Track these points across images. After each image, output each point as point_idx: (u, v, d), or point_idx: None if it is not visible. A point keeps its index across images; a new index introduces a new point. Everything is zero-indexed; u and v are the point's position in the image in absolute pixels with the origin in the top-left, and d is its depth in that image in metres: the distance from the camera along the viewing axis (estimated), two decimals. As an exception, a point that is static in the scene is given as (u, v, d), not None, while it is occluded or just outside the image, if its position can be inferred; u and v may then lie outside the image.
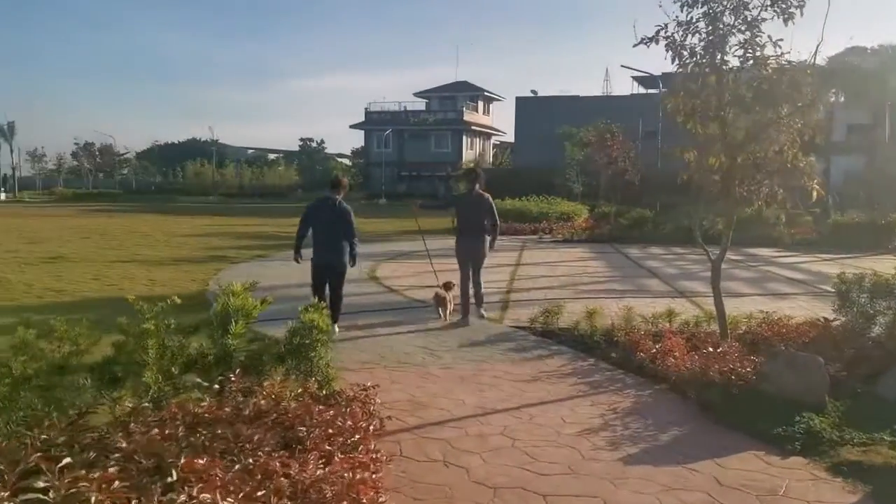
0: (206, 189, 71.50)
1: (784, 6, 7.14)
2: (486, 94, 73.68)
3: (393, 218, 34.99)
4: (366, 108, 71.89)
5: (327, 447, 4.09)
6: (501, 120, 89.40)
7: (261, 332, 8.55)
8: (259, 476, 3.41)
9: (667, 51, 7.75)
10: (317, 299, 9.24)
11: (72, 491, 2.82)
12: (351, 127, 72.52)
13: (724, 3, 7.32)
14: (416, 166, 67.79)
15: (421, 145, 68.31)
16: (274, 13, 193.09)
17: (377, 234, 25.25)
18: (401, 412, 5.69)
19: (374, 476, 3.97)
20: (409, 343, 8.21)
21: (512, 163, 70.00)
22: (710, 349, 7.05)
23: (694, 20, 7.42)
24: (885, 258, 17.23)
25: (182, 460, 3.29)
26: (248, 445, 3.82)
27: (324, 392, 5.31)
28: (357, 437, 4.40)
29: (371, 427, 4.67)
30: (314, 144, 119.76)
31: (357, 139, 74.71)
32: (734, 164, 7.49)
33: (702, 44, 7.52)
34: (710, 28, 7.47)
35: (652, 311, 10.04)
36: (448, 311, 9.54)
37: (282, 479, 3.43)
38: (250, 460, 3.58)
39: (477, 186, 9.77)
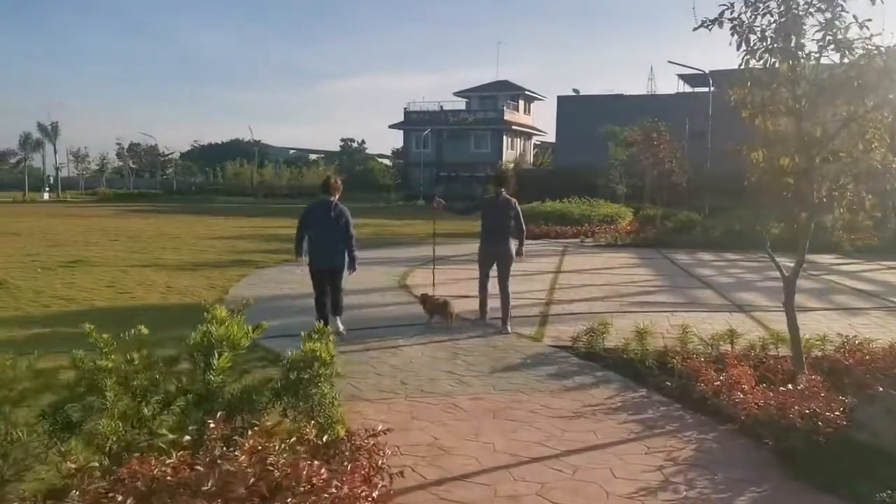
0: (245, 189, 71.50)
1: (873, -20, 6.10)
2: (526, 93, 72.50)
3: (431, 220, 34.18)
4: (405, 108, 71.26)
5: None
6: (542, 120, 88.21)
7: (274, 350, 7.77)
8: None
9: (732, 34, 6.73)
10: (319, 314, 8.67)
11: None
12: (390, 127, 71.98)
13: (801, -23, 6.30)
14: (454, 167, 66.88)
15: (460, 145, 67.40)
16: (316, 15, 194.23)
17: (413, 236, 24.40)
18: (418, 461, 4.80)
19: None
20: (435, 366, 7.31)
21: (553, 163, 68.82)
22: (785, 382, 6.05)
23: (764, -1, 6.42)
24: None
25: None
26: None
27: (325, 438, 4.42)
28: (356, 507, 3.51)
29: (376, 492, 3.76)
30: (355, 145, 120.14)
31: (398, 139, 74.05)
32: (812, 164, 6.45)
33: (773, 25, 6.51)
34: (784, 8, 6.45)
35: (709, 328, 9.05)
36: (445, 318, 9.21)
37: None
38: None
39: (504, 191, 9.51)
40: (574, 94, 65.60)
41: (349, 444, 4.35)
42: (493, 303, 9.58)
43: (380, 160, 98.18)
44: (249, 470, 3.52)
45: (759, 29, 6.52)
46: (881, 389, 5.35)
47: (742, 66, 6.86)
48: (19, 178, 78.80)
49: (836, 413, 5.05)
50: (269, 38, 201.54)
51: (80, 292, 11.27)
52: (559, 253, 19.51)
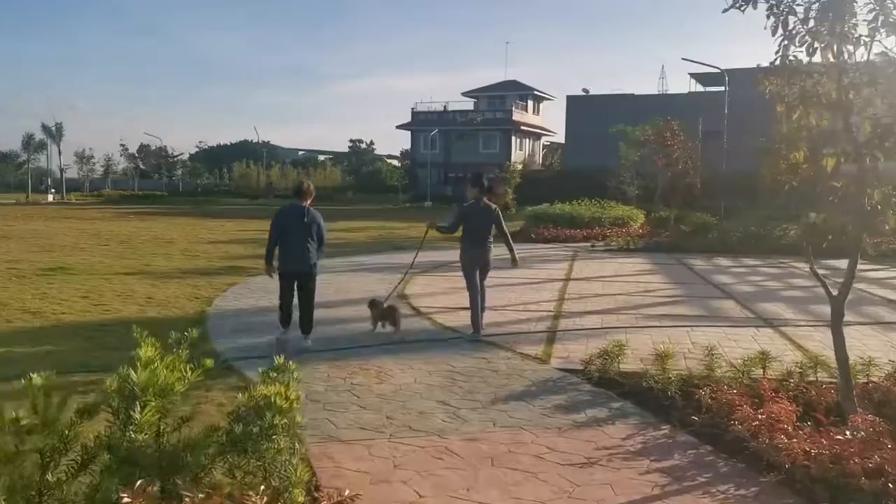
0: (254, 191, 70.78)
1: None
2: (535, 93, 71.54)
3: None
4: (412, 109, 70.40)
5: None
6: (552, 120, 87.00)
7: (249, 377, 6.90)
8: None
9: (768, 17, 5.84)
10: (283, 321, 8.24)
11: None
12: (397, 127, 71.16)
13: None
14: (462, 167, 65.93)
15: (468, 146, 66.48)
16: (326, 17, 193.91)
17: (419, 240, 23.48)
18: (395, 532, 3.92)
19: None
20: (428, 395, 6.42)
21: (562, 164, 67.83)
22: (833, 420, 5.16)
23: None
24: None
25: None
26: None
27: (278, 509, 3.55)
28: None
29: None
30: (363, 146, 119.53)
31: (406, 140, 73.23)
32: (863, 165, 5.55)
33: (817, 5, 5.62)
34: (830, -16, 5.56)
35: (735, 347, 8.17)
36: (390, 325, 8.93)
37: None
38: None
39: (484, 198, 9.25)
40: (584, 93, 64.59)
41: (306, 518, 3.48)
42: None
43: (388, 161, 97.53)
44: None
45: (801, 8, 5.64)
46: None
47: (779, 54, 5.97)
48: (27, 180, 78.45)
49: (909, 469, 4.15)
50: (278, 40, 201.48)
51: (50, 305, 10.44)
52: (569, 258, 18.59)
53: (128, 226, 28.31)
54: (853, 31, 5.58)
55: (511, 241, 9.65)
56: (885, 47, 5.67)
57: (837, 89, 5.69)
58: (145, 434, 3.54)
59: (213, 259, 16.64)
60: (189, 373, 3.87)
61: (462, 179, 65.47)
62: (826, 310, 10.45)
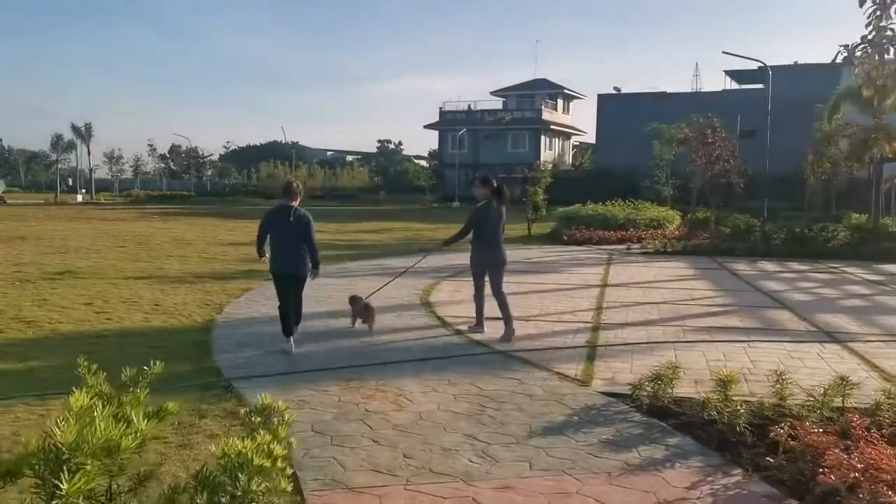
0: (278, 191, 70.37)
1: None
2: (565, 91, 70.40)
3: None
4: (440, 108, 69.60)
5: None
6: (582, 119, 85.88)
7: (251, 400, 6.08)
8: None
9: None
10: (284, 329, 7.90)
11: None
12: (425, 127, 70.44)
13: None
14: (491, 168, 64.99)
15: (496, 146, 65.54)
16: (355, 18, 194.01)
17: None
18: None
19: None
20: (453, 425, 5.54)
21: (593, 164, 66.65)
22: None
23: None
24: None
25: None
26: None
27: None
28: None
29: None
30: (391, 146, 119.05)
31: (434, 140, 72.46)
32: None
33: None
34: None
35: (801, 367, 7.21)
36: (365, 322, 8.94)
37: None
38: None
39: (496, 200, 8.98)
40: (615, 92, 63.31)
41: None
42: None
43: (416, 161, 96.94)
44: None
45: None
46: None
47: (871, 26, 5.02)
48: (63, 180, 79.04)
49: None
50: (307, 41, 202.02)
51: (48, 313, 9.72)
52: (604, 262, 17.61)
53: (148, 227, 27.78)
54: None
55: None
56: None
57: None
58: (77, 507, 2.69)
59: (229, 262, 15.91)
60: (143, 423, 3.01)
61: (473, 180, 64.43)
62: (888, 321, 9.42)
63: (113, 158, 79.66)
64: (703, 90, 62.04)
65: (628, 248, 20.70)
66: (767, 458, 4.79)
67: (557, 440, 5.25)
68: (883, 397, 5.65)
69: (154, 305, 10.55)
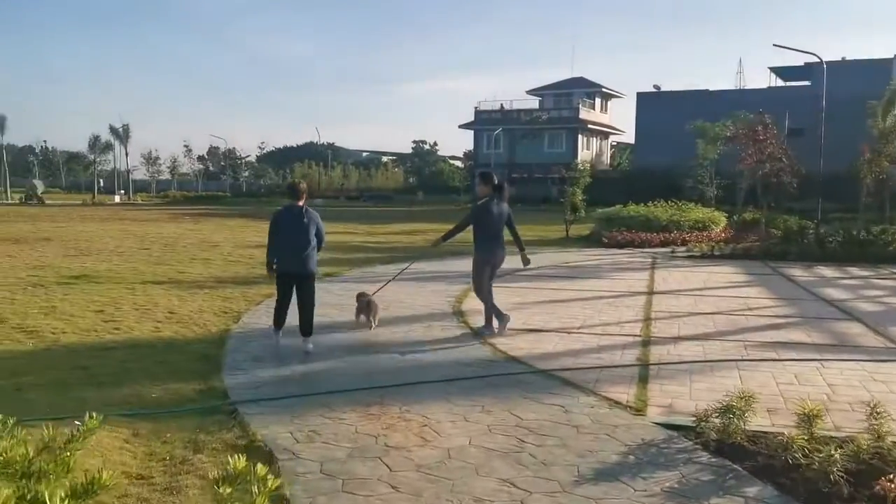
0: (312, 192, 70.11)
1: None
2: (603, 90, 69.07)
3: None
4: (475, 107, 68.74)
5: None
6: (620, 118, 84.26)
7: (257, 433, 5.36)
8: None
9: None
10: (276, 322, 7.98)
11: None
12: (460, 127, 69.62)
13: None
14: (527, 168, 63.96)
15: (533, 145, 64.46)
16: (387, 20, 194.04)
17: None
18: None
19: None
20: (486, 465, 4.71)
21: (631, 164, 65.30)
22: None
23: None
24: None
25: None
26: None
27: None
28: None
29: None
30: (427, 147, 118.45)
31: (469, 141, 71.67)
32: None
33: None
34: None
35: (886, 391, 6.27)
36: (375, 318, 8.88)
37: None
38: None
39: (497, 197, 8.91)
40: (655, 90, 61.85)
41: None
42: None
43: (451, 162, 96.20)
44: None
45: None
46: None
47: None
48: (103, 181, 79.93)
49: None
50: (343, 43, 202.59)
51: (53, 321, 9.08)
52: (648, 266, 16.63)
53: (178, 228, 27.33)
54: None
55: (522, 241, 9.35)
56: None
57: None
58: None
59: (254, 265, 15.23)
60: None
61: (526, 180, 63.60)
62: None
63: (150, 159, 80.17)
64: (746, 87, 60.35)
65: (673, 252, 19.63)
66: (875, 520, 3.89)
67: (612, 488, 4.38)
68: None
69: (168, 313, 9.87)
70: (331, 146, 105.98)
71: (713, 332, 9.12)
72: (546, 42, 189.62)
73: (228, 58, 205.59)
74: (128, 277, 13.03)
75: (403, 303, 11.01)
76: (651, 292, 12.48)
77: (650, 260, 17.89)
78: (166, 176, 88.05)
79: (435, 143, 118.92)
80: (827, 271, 15.80)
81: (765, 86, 60.17)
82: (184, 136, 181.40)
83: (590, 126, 65.67)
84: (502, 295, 11.83)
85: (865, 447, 4.67)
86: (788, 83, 59.13)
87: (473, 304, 11.06)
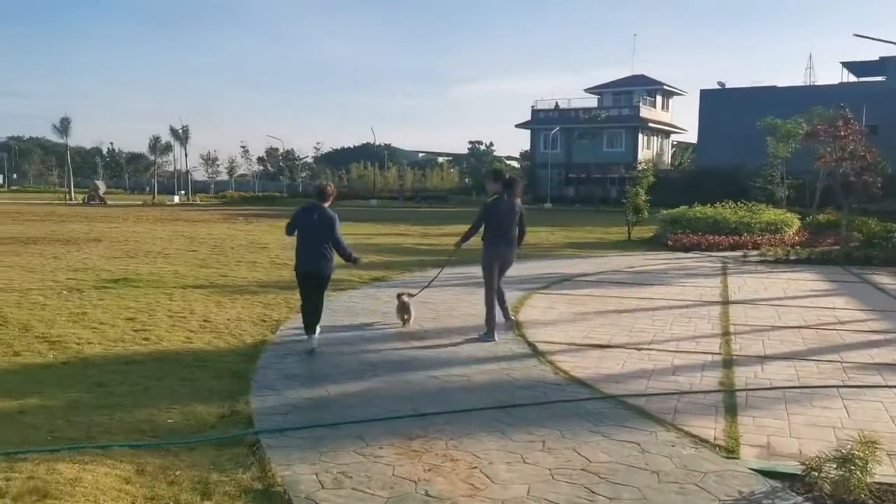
0: (368, 192, 69.83)
1: None
2: (664, 87, 67.21)
3: (559, 227, 30.57)
4: (532, 106, 67.57)
5: None
6: (681, 117, 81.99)
7: (275, 474, 4.59)
8: None
9: None
10: (306, 325, 7.87)
11: None
12: (516, 126, 68.59)
13: None
14: (585, 168, 62.57)
15: (591, 145, 63.00)
16: (443, 21, 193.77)
17: (537, 247, 20.88)
18: None
19: None
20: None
21: (693, 163, 63.35)
22: None
23: None
24: None
25: None
26: None
27: None
28: None
29: None
30: (482, 147, 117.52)
31: (525, 141, 70.57)
32: None
33: None
34: None
35: None
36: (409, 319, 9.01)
37: None
38: None
39: (507, 194, 8.67)
40: (719, 87, 59.82)
41: None
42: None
43: (507, 162, 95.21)
44: None
45: None
46: None
47: None
48: (163, 181, 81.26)
49: None
50: (400, 45, 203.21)
51: (81, 330, 8.49)
52: (719, 271, 15.47)
53: (229, 229, 26.97)
54: None
55: (524, 239, 9.06)
56: None
57: None
58: None
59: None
60: None
61: (584, 180, 62.18)
62: None
63: (209, 160, 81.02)
64: (816, 83, 57.91)
65: (745, 256, 18.34)
66: None
67: (709, 565, 3.47)
68: None
69: (203, 321, 9.22)
70: (387, 147, 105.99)
71: (804, 351, 8.06)
72: (604, 41, 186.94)
73: (288, 61, 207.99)
74: (168, 281, 12.48)
75: (454, 311, 10.20)
76: (726, 301, 11.39)
77: (720, 265, 16.70)
78: (224, 177, 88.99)
79: (491, 144, 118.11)
80: (919, 279, 14.43)
81: (836, 81, 57.60)
82: (241, 138, 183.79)
83: (650, 124, 63.92)
84: (561, 304, 10.94)
85: None
86: (862, 79, 56.51)
87: (531, 313, 10.20)
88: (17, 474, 4.36)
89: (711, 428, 5.38)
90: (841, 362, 7.50)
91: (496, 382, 6.64)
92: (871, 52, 45.73)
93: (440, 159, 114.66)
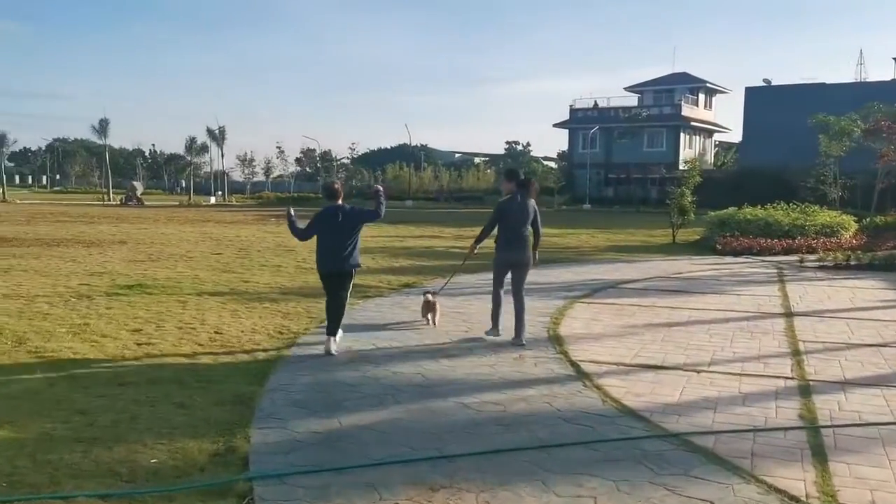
0: (403, 192, 69.07)
1: None
2: (707, 85, 65.41)
3: (599, 229, 29.49)
4: (570, 105, 66.28)
5: None
6: (725, 115, 79.89)
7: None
8: None
9: None
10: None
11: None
12: (554, 126, 67.28)
13: None
14: (625, 168, 61.14)
15: (631, 144, 61.56)
16: (479, 21, 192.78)
17: (577, 250, 19.87)
18: None
19: None
20: None
21: (738, 163, 61.56)
22: None
23: None
24: None
25: None
26: None
27: None
28: None
29: None
30: (519, 147, 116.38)
31: (563, 141, 69.31)
32: None
33: None
34: None
35: None
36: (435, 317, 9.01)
37: None
38: None
39: (520, 194, 8.38)
40: (765, 84, 58.00)
41: None
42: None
43: (545, 162, 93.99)
44: None
45: None
46: None
47: None
48: (201, 182, 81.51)
49: None
50: (436, 44, 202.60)
51: (78, 344, 7.77)
52: (775, 278, 14.33)
53: (258, 231, 26.33)
54: None
55: (539, 242, 8.64)
56: None
57: None
58: None
59: (327, 274, 13.82)
60: None
61: (623, 181, 60.78)
62: None
63: (245, 161, 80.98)
64: (867, 80, 55.83)
65: (801, 261, 17.15)
66: None
67: None
68: None
69: (214, 333, 8.45)
70: (423, 147, 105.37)
71: (889, 375, 7.02)
72: (645, 39, 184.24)
73: (323, 62, 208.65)
74: (185, 287, 11.76)
75: (489, 323, 9.27)
76: (789, 313, 10.32)
77: (775, 271, 15.54)
78: (261, 178, 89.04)
79: (528, 144, 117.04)
80: None
81: (888, 77, 55.47)
82: (277, 138, 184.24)
83: (693, 123, 62.23)
84: (606, 315, 9.97)
85: None
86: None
87: (573, 325, 9.25)
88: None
89: (800, 479, 4.42)
90: (937, 390, 6.45)
91: (536, 413, 5.72)
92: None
93: (476, 160, 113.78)
